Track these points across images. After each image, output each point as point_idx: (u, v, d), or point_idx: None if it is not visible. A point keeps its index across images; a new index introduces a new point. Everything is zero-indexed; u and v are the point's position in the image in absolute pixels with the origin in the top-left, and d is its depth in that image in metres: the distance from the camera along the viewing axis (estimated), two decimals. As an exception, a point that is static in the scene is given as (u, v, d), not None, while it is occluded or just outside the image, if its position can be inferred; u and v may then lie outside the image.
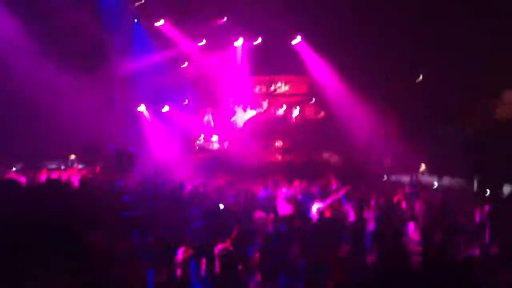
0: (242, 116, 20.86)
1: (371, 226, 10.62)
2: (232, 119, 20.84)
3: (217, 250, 7.95)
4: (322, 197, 12.08)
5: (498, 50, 15.74)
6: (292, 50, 20.67)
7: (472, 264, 8.00)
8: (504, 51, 15.65)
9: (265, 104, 21.73)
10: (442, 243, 9.51)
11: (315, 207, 11.13)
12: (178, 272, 7.71)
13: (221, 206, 11.12)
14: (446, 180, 15.06)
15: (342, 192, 12.16)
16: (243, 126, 20.66)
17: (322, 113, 20.29)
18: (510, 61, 15.57)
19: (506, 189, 13.48)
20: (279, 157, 18.98)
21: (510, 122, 16.67)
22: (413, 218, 10.68)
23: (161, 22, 20.82)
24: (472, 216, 10.66)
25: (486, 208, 10.59)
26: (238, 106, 21.14)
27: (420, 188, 14.04)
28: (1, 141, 14.80)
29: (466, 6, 16.04)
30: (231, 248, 8.08)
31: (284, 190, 13.20)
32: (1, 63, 15.23)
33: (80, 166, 15.37)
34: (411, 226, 10.33)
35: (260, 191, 13.23)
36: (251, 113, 21.15)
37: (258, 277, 8.00)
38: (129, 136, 18.89)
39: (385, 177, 16.41)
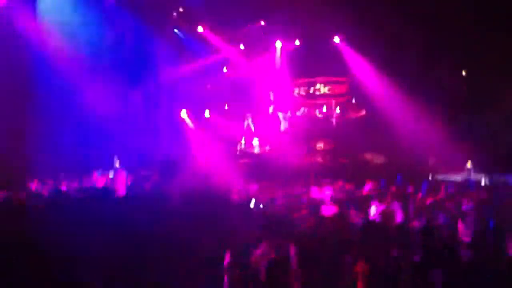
0: (283, 119, 20.85)
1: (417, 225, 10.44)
2: (274, 122, 20.87)
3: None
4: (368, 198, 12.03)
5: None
6: (331, 51, 20.60)
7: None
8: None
9: (304, 106, 21.70)
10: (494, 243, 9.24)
11: (374, 209, 11.05)
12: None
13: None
14: (495, 177, 14.64)
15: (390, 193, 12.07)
16: (284, 129, 20.64)
17: (363, 113, 20.08)
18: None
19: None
20: (321, 159, 18.86)
21: None
22: (462, 216, 10.44)
23: (200, 28, 21.11)
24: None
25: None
26: (279, 109, 21.15)
27: (466, 187, 13.71)
28: (48, 151, 15.21)
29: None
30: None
31: (327, 192, 13.17)
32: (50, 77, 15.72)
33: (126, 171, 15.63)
34: (459, 225, 10.12)
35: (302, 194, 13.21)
36: (291, 116, 21.13)
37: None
38: (172, 143, 19.17)
39: (430, 176, 16.08)
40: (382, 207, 10.97)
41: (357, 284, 7.22)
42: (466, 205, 11.37)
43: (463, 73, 18.54)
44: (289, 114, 21.15)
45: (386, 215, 10.52)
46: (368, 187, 13.40)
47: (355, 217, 10.70)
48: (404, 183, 13.67)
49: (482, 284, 7.60)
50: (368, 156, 18.11)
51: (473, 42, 16.64)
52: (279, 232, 9.24)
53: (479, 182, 14.83)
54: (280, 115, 21.07)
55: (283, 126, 20.85)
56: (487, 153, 15.36)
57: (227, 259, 7.61)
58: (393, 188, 12.77)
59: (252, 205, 10.97)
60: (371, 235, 9.74)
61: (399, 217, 10.91)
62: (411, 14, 17.39)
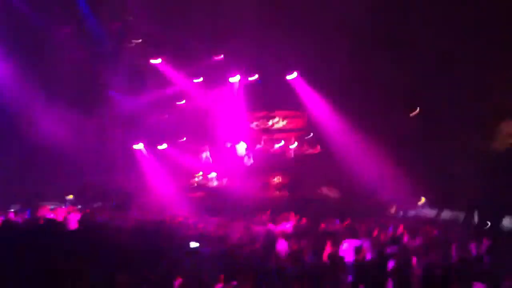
0: (242, 153, 20.83)
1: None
2: (232, 156, 20.81)
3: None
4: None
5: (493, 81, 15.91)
6: (288, 86, 20.77)
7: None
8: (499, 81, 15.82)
9: (262, 140, 21.76)
10: (443, 277, 9.38)
11: (346, 245, 11.00)
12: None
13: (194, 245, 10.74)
14: (447, 213, 14.94)
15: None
16: (241, 162, 20.59)
17: (319, 148, 20.26)
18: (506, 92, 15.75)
19: (506, 222, 13.38)
20: (278, 193, 18.84)
21: (507, 153, 16.70)
22: (416, 253, 10.56)
23: (158, 60, 21.00)
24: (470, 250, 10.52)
25: (485, 241, 10.48)
26: (237, 143, 21.12)
27: (420, 223, 13.92)
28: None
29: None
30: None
31: (286, 226, 13.15)
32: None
33: (78, 206, 15.20)
34: (413, 261, 10.23)
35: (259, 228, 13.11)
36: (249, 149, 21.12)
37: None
38: (127, 175, 18.82)
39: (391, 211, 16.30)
40: (355, 243, 10.97)
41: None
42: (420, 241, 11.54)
43: (417, 111, 18.96)
44: (246, 148, 21.10)
45: (360, 251, 10.57)
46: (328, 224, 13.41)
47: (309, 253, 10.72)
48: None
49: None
50: (324, 190, 18.18)
51: (425, 82, 17.13)
52: (233, 270, 9.13)
53: (432, 217, 15.06)
54: (238, 148, 21.02)
55: (242, 159, 20.80)
56: (440, 190, 15.61)
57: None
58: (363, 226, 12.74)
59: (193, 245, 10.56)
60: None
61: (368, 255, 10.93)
62: (366, 53, 17.80)
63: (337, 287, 9.50)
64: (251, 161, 20.65)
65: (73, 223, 12.80)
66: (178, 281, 7.63)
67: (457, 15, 16.00)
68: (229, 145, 21.38)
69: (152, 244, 10.18)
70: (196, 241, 11.04)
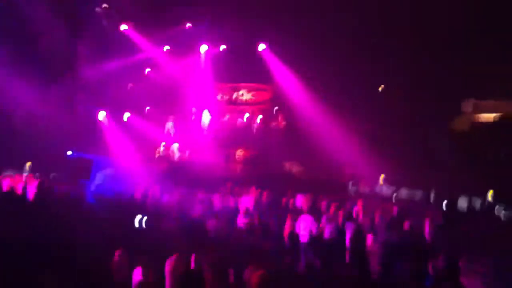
0: (206, 124, 20.71)
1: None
2: (196, 127, 20.66)
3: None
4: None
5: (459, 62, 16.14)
6: (256, 58, 20.63)
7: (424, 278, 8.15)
8: (466, 62, 16.05)
9: (227, 112, 21.67)
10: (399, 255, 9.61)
11: (304, 221, 11.11)
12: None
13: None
14: (404, 191, 15.23)
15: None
16: (205, 134, 20.47)
17: (284, 122, 20.28)
18: (470, 71, 16.00)
19: (461, 202, 13.71)
20: (240, 167, 18.84)
21: (468, 132, 17.07)
22: (372, 230, 10.77)
23: (125, 26, 20.53)
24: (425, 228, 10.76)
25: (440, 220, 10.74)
26: (201, 114, 20.96)
27: (379, 200, 14.16)
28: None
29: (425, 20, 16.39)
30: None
31: (249, 199, 13.24)
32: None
33: (37, 174, 14.88)
34: (369, 238, 10.44)
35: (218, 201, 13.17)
36: (213, 121, 21.01)
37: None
38: (88, 143, 18.49)
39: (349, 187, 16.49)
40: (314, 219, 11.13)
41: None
42: (378, 218, 11.73)
43: (380, 88, 19.11)
44: (210, 119, 20.98)
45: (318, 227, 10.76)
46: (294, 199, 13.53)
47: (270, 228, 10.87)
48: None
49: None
50: (287, 165, 18.26)
51: (395, 58, 17.25)
52: (193, 242, 9.16)
53: (391, 195, 15.32)
54: (203, 119, 20.87)
55: (205, 131, 20.68)
56: (399, 168, 15.84)
57: (137, 274, 7.39)
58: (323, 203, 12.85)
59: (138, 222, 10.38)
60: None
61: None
62: (337, 26, 17.74)
63: (294, 262, 9.70)
64: (208, 131, 20.58)
65: (31, 192, 12.59)
66: (117, 253, 7.54)
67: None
68: (193, 116, 21.20)
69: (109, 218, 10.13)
70: (157, 214, 11.05)
